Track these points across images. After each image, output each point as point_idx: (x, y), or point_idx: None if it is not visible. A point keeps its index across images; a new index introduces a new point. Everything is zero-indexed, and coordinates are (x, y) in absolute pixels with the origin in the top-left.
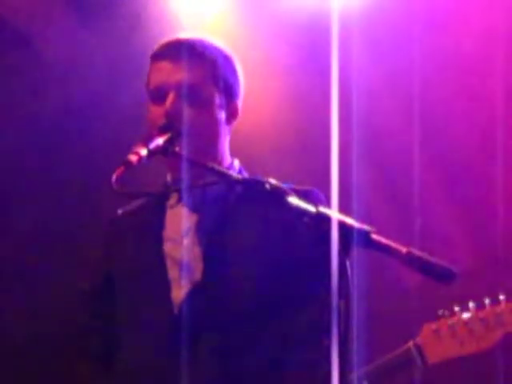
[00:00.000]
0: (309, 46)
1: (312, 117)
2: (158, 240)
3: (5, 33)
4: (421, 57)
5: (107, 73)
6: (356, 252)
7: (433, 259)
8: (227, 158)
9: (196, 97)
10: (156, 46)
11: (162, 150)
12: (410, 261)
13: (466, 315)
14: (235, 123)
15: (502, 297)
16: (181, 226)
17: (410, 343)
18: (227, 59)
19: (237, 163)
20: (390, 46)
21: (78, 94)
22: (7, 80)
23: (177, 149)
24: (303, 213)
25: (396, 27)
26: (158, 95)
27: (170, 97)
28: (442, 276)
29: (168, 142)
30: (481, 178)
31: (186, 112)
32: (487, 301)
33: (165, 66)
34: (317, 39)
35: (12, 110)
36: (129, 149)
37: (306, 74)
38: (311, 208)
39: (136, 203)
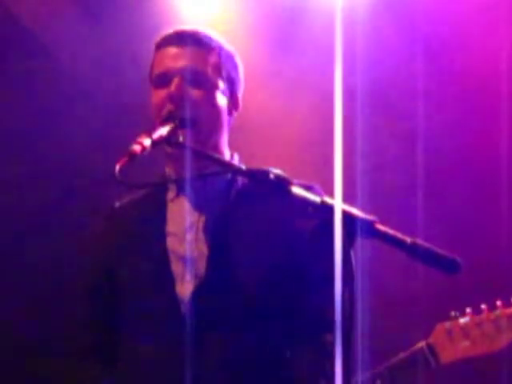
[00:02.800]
0: (312, 45)
1: (314, 114)
2: (161, 235)
3: (17, 33)
4: (425, 55)
5: (113, 70)
6: (360, 243)
7: (438, 250)
8: (227, 151)
9: (200, 81)
10: (160, 36)
11: (166, 140)
12: (415, 251)
13: (477, 316)
14: (235, 119)
15: None
16: (183, 220)
17: (423, 343)
18: (230, 54)
19: (236, 157)
20: (394, 43)
21: (82, 88)
22: (20, 80)
23: (180, 139)
24: (308, 202)
25: (400, 25)
26: (163, 80)
27: (175, 80)
28: (447, 267)
29: (172, 132)
30: (482, 183)
31: (191, 95)
32: (498, 303)
33: (170, 51)
34: (320, 37)
35: (23, 107)
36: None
37: (309, 72)
38: (315, 198)
39: (133, 196)
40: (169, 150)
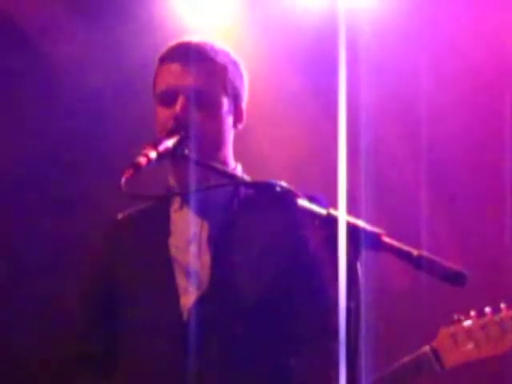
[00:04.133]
0: (316, 51)
1: (318, 120)
2: (165, 246)
3: (12, 35)
4: (428, 63)
5: (114, 75)
6: (366, 255)
7: (444, 262)
8: (231, 161)
9: (205, 102)
10: (165, 49)
11: (172, 153)
12: (421, 263)
13: (481, 319)
14: (242, 127)
15: None
16: (187, 232)
17: (427, 347)
18: (235, 64)
19: (239, 168)
20: (397, 51)
21: (85, 98)
22: (14, 82)
23: (186, 151)
24: (314, 215)
25: (404, 32)
26: (167, 98)
27: (180, 101)
28: (454, 279)
29: (177, 145)
30: (488, 189)
31: (195, 116)
32: (502, 305)
33: (174, 68)
34: (324, 43)
35: (19, 112)
36: (138, 151)
37: (312, 77)
38: (321, 210)
39: (136, 207)
40: (173, 161)
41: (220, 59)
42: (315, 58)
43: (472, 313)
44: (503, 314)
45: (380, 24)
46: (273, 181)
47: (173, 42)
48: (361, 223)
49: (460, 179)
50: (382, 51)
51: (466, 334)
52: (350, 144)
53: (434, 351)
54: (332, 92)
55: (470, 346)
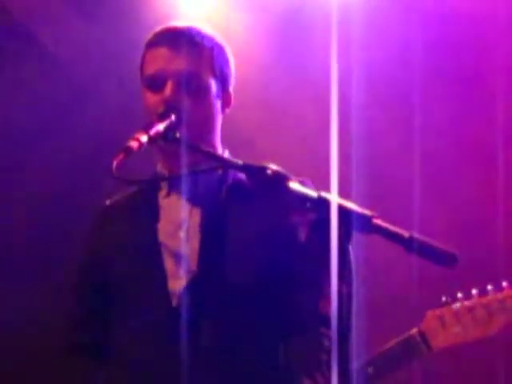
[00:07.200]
0: (307, 42)
1: (308, 107)
2: (153, 231)
3: (12, 29)
4: (421, 50)
5: (107, 68)
6: (356, 237)
7: (435, 243)
8: (219, 146)
9: (194, 85)
10: (152, 34)
11: (163, 136)
12: (413, 245)
13: (468, 301)
14: (233, 113)
15: (504, 283)
16: (176, 217)
17: (414, 330)
18: (222, 48)
19: (227, 153)
20: (389, 39)
21: (84, 90)
22: (16, 77)
23: (177, 135)
24: (305, 198)
25: (397, 19)
26: (156, 83)
27: (169, 85)
28: (445, 260)
29: (168, 128)
30: (480, 178)
31: (185, 101)
32: (490, 287)
33: (163, 53)
34: (316, 31)
35: (19, 107)
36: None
37: (305, 67)
38: (312, 193)
39: (124, 193)
40: (164, 145)
41: (207, 43)
42: (306, 44)
43: (459, 295)
44: (490, 296)
45: (372, 9)
46: (264, 164)
47: (159, 28)
48: (352, 205)
49: (452, 165)
50: (374, 35)
51: (454, 316)
52: (341, 130)
53: (422, 334)
54: (323, 78)
55: (457, 328)
